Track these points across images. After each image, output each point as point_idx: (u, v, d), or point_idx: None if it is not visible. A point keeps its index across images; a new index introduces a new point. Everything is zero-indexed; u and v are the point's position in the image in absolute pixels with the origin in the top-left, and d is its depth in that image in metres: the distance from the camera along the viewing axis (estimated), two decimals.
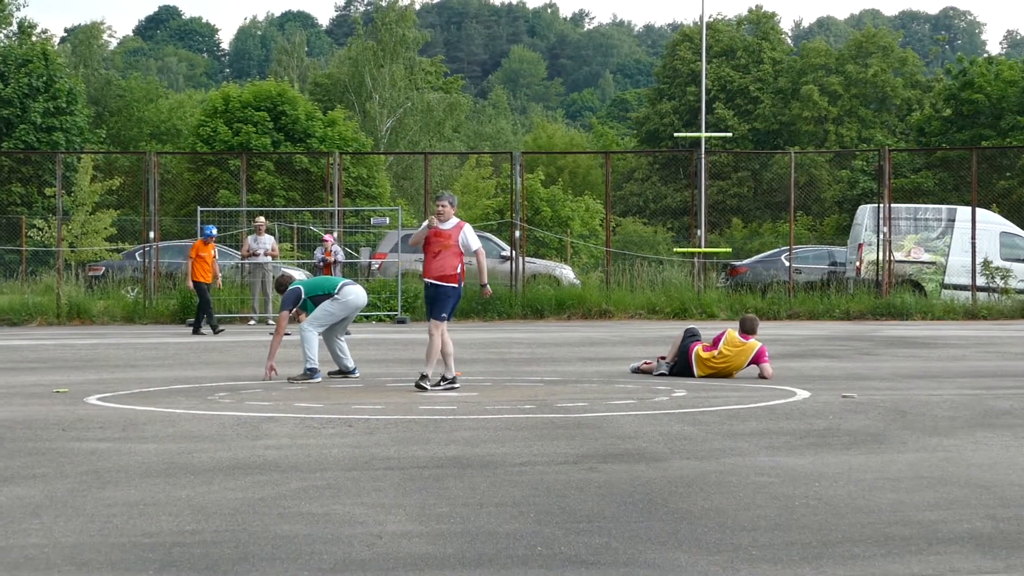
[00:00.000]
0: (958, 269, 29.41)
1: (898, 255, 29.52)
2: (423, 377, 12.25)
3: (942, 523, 6.08)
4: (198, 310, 22.95)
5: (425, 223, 12.70)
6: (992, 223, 30.70)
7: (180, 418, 10.21)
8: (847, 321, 26.69)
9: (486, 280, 12.79)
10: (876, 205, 31.20)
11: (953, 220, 29.91)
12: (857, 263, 29.94)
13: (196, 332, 22.44)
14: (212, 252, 22.85)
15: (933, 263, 29.64)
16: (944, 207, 31.28)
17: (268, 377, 13.51)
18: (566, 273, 31.67)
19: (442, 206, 12.48)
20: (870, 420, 9.91)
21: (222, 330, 22.53)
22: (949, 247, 29.74)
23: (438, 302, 12.42)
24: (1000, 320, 26.83)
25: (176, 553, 5.52)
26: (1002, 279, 28.48)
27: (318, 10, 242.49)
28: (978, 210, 31.83)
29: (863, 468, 7.62)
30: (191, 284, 22.87)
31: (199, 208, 27.40)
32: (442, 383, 12.35)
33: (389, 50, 61.88)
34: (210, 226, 23.05)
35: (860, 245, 30.04)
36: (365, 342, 19.47)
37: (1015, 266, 29.52)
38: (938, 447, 8.49)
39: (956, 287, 29.17)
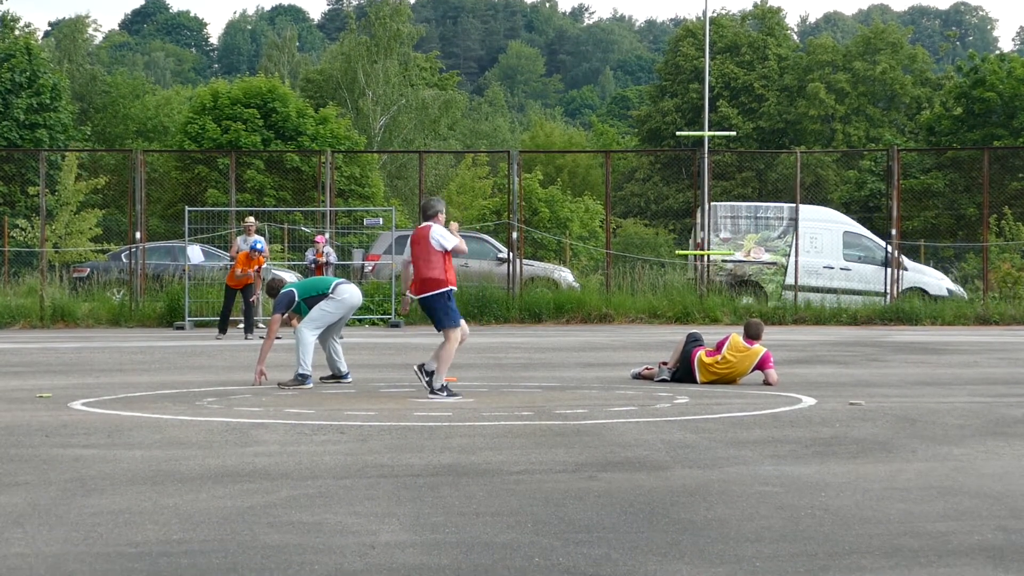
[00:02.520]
0: (800, 270, 29.13)
1: (738, 255, 29.32)
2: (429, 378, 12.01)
3: (952, 534, 6.02)
4: (245, 313, 22.61)
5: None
6: (835, 222, 30.55)
7: (167, 424, 10.11)
8: (855, 326, 26.67)
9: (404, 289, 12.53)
10: (715, 204, 31.07)
11: (795, 219, 29.60)
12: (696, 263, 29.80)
13: (249, 333, 22.18)
14: (255, 267, 22.04)
15: (774, 263, 29.40)
16: (786, 205, 30.86)
17: (258, 382, 13.39)
18: (565, 276, 31.62)
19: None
20: (878, 428, 9.84)
21: (221, 337, 22.29)
22: (791, 247, 29.47)
23: (433, 315, 12.20)
24: (1012, 326, 26.78)
25: (163, 563, 5.46)
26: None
27: (309, 4, 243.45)
28: (821, 208, 31.77)
29: (871, 477, 7.55)
30: (257, 283, 22.20)
31: (187, 208, 27.24)
32: (431, 384, 12.06)
33: (383, 45, 61.78)
34: (257, 240, 22.17)
35: (699, 244, 29.87)
36: (358, 346, 19.48)
37: (860, 267, 29.28)
38: (948, 456, 8.43)
39: (798, 288, 28.90)
